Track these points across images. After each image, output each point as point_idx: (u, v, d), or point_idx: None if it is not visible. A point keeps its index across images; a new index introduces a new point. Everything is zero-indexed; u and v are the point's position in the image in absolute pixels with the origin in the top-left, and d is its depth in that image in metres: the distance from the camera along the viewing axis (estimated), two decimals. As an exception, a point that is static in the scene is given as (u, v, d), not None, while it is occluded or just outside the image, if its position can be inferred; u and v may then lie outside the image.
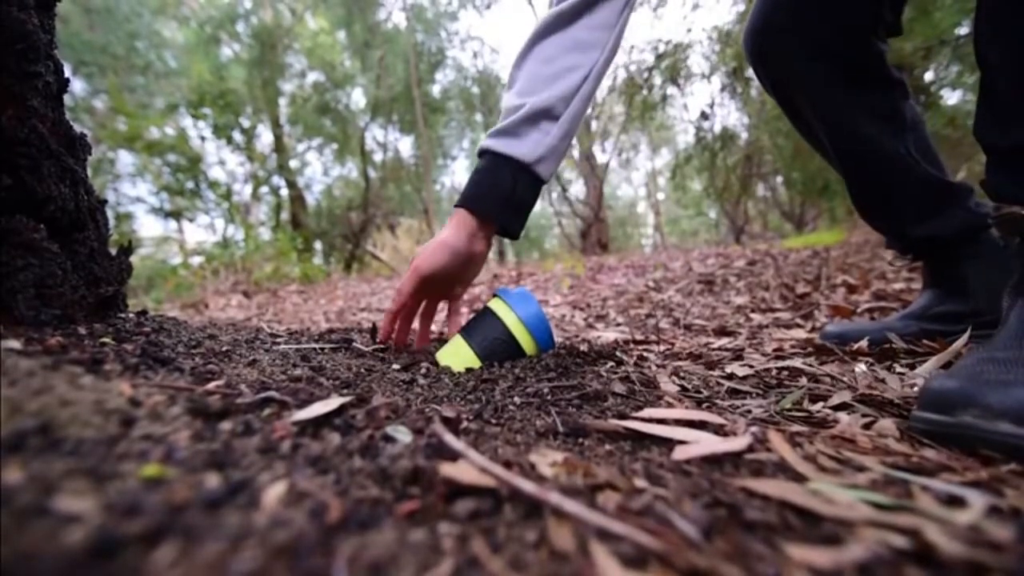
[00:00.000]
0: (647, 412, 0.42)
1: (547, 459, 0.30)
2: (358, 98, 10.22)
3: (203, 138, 8.53)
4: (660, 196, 16.69)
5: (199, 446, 0.27)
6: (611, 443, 0.37)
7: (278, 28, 8.86)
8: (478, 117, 10.84)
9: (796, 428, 0.42)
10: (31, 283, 0.49)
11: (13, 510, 0.19)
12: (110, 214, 0.65)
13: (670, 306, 1.81)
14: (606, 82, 8.74)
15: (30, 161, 0.50)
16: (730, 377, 0.64)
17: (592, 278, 2.93)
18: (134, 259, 0.66)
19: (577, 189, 11.37)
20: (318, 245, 9.63)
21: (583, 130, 9.26)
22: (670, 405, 0.48)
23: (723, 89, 7.31)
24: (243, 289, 4.24)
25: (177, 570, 0.17)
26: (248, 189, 9.60)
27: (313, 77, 9.64)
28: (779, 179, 8.52)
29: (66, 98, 0.59)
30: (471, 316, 0.70)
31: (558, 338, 0.85)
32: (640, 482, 0.28)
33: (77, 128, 0.59)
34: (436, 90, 10.50)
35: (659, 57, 7.23)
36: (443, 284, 0.71)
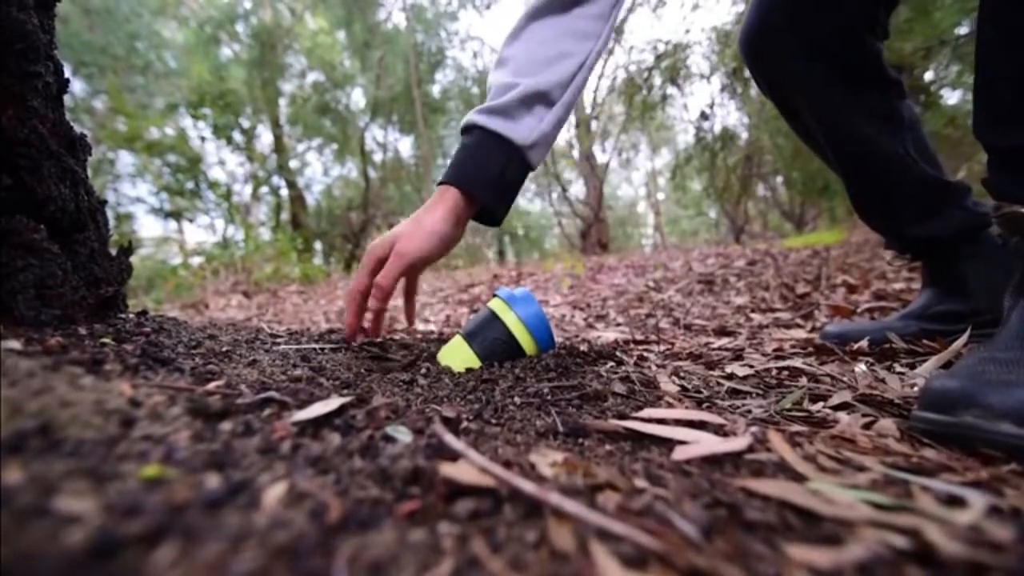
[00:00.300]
0: (647, 412, 0.42)
1: (547, 459, 0.30)
2: (358, 98, 10.26)
3: (203, 138, 8.55)
4: (660, 196, 16.71)
5: (199, 446, 0.27)
6: (611, 443, 0.37)
7: (278, 28, 8.87)
8: (478, 117, 10.81)
9: (796, 428, 0.42)
10: (31, 284, 0.49)
11: (13, 510, 0.19)
12: (110, 214, 0.65)
13: (670, 306, 1.81)
14: (606, 82, 8.76)
15: (30, 161, 0.50)
16: (730, 377, 0.64)
17: (592, 278, 2.93)
18: (134, 259, 0.66)
19: (577, 189, 11.40)
20: (318, 245, 9.65)
21: (583, 130, 9.26)
22: (670, 405, 0.48)
23: (723, 89, 7.33)
24: (243, 289, 4.24)
25: (177, 570, 0.17)
26: (248, 189, 9.63)
27: (313, 77, 9.66)
28: (779, 179, 8.54)
29: (66, 98, 0.59)
30: (471, 316, 0.70)
31: (558, 338, 0.85)
32: (640, 482, 0.28)
33: (77, 128, 0.59)
34: (436, 90, 10.53)
35: (659, 57, 7.24)
36: (421, 268, 0.70)
